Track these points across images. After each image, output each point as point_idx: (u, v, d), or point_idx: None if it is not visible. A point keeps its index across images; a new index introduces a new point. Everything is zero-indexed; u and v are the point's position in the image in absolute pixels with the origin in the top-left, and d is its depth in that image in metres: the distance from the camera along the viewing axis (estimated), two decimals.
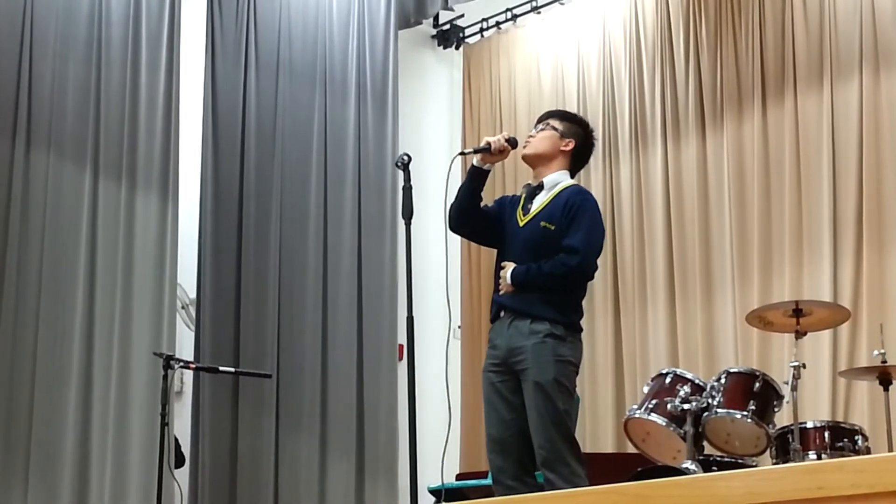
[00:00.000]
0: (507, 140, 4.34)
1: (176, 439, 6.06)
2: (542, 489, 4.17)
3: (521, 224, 4.34)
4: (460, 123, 8.45)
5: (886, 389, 5.02)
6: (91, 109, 6.28)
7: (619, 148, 7.41)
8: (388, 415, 7.11)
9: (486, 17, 8.32)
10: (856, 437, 4.78)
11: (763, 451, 4.84)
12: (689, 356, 6.73)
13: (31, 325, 5.94)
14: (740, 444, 4.84)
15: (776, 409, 4.84)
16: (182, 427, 6.48)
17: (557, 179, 4.38)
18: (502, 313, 4.29)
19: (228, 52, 7.02)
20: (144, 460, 5.95)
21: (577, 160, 4.49)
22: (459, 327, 7.93)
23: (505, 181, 7.79)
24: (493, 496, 4.18)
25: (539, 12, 8.03)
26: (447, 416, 4.39)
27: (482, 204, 4.44)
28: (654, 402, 4.90)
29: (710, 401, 4.80)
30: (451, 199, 4.43)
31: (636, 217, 7.22)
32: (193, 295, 6.83)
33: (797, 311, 4.89)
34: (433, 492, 5.47)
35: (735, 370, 4.98)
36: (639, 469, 4.75)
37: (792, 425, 4.71)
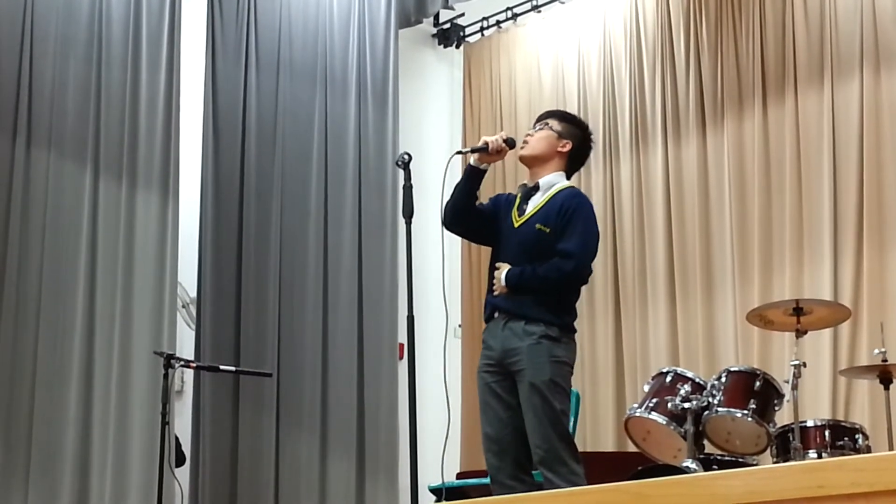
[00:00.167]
0: (504, 140, 4.34)
1: (176, 438, 6.06)
2: (540, 487, 4.18)
3: (517, 225, 4.34)
4: (461, 122, 8.45)
5: (887, 388, 5.02)
6: (91, 108, 6.28)
7: (619, 147, 7.41)
8: (388, 414, 7.11)
9: (486, 15, 8.32)
10: (856, 436, 4.78)
11: (763, 450, 4.84)
12: (689, 355, 6.73)
13: (32, 323, 5.94)
14: (741, 443, 4.84)
15: (777, 408, 4.84)
16: (182, 426, 6.49)
17: (553, 181, 4.38)
18: (496, 314, 4.30)
19: (229, 50, 7.02)
20: (145, 459, 5.95)
21: (574, 162, 4.49)
22: (460, 326, 7.93)
23: (505, 180, 7.78)
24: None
25: (539, 11, 8.03)
26: (447, 414, 4.39)
27: (477, 202, 4.44)
28: (654, 400, 4.90)
29: (710, 399, 4.80)
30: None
31: (636, 216, 7.22)
32: (194, 294, 6.83)
33: (798, 310, 4.90)
34: (434, 491, 5.46)
35: (735, 369, 4.99)
36: (639, 468, 4.75)
37: (792, 424, 4.71)
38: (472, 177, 4.37)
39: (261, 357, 6.75)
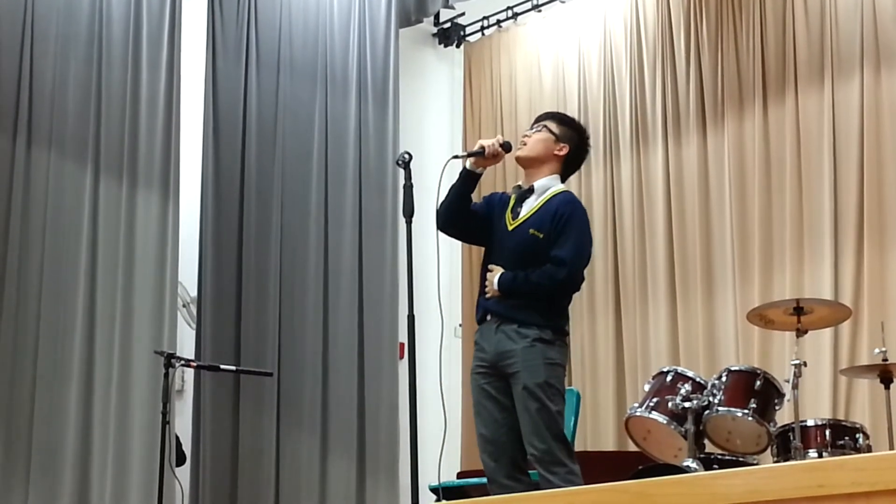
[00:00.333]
0: (501, 145, 4.32)
1: (177, 437, 6.06)
2: (537, 486, 4.19)
3: (510, 228, 4.33)
4: (461, 122, 8.45)
5: (887, 387, 5.03)
6: (92, 108, 6.28)
7: (619, 146, 7.41)
8: (388, 413, 7.11)
9: (486, 15, 8.32)
10: (857, 436, 4.78)
11: (764, 450, 4.84)
12: (689, 354, 6.73)
13: (32, 323, 5.94)
14: (741, 443, 4.84)
15: (777, 408, 4.84)
16: (183, 425, 6.49)
17: (548, 185, 4.36)
18: (489, 317, 4.31)
19: (229, 50, 7.02)
20: (145, 459, 5.95)
21: (570, 166, 4.47)
22: (460, 325, 7.93)
23: (506, 180, 7.77)
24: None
25: (540, 10, 8.02)
26: (445, 414, 4.39)
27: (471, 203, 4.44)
28: (654, 400, 4.90)
29: (711, 399, 4.80)
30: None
31: (637, 215, 7.22)
32: (194, 293, 6.83)
33: (798, 310, 4.90)
34: (434, 490, 5.46)
35: (736, 368, 4.99)
36: (640, 467, 4.75)
37: (793, 423, 4.71)
38: (467, 180, 4.36)
39: (261, 356, 6.75)
